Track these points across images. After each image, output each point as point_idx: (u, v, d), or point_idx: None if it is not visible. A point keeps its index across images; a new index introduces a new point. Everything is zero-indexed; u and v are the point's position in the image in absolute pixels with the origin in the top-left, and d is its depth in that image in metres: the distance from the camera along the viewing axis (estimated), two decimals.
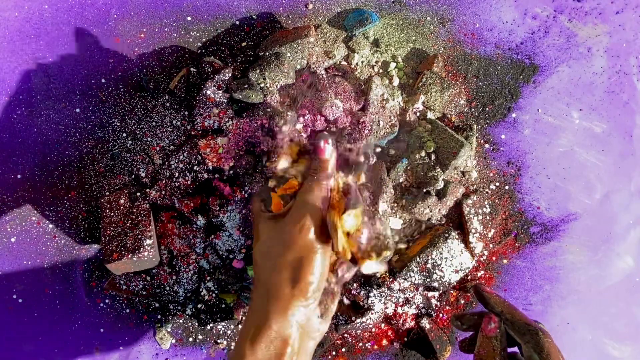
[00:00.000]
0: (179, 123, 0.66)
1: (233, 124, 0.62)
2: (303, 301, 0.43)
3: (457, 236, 0.65)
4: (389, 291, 0.66)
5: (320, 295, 0.45)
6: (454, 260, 0.65)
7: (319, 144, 0.47)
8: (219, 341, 0.69)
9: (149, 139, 0.65)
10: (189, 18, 0.68)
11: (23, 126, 0.66)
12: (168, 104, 0.66)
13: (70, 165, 0.66)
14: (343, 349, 0.69)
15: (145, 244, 0.61)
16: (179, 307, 0.68)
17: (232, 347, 0.70)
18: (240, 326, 0.69)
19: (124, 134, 0.66)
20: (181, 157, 0.64)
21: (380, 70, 0.69)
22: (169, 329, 0.68)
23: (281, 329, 0.42)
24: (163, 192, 0.64)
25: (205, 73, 0.65)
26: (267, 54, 0.64)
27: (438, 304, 0.71)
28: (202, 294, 0.66)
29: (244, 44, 0.68)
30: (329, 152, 0.47)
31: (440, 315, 0.71)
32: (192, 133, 0.66)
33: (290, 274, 0.43)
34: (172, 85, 0.66)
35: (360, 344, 0.70)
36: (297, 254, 0.43)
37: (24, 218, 0.66)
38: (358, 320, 0.67)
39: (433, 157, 0.66)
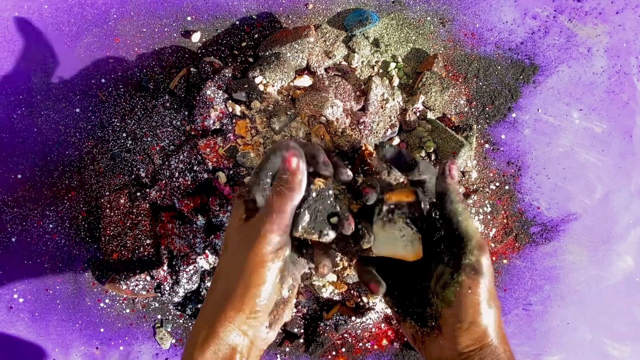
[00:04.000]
0: (179, 123, 0.66)
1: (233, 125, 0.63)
2: (250, 313, 0.43)
3: None
4: None
5: (270, 306, 0.44)
6: None
7: (285, 155, 0.45)
8: None
9: (149, 139, 0.65)
10: (189, 18, 0.68)
11: (23, 126, 0.66)
12: (168, 104, 0.66)
13: (70, 165, 0.66)
14: (343, 349, 0.69)
15: (145, 244, 0.61)
16: (179, 307, 0.68)
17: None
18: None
19: (124, 134, 0.66)
20: (181, 157, 0.64)
21: (380, 70, 0.69)
22: (169, 329, 0.68)
23: (229, 337, 0.42)
24: (163, 192, 0.64)
25: (205, 73, 0.65)
26: (267, 54, 0.64)
27: None
28: (202, 294, 0.66)
29: (244, 44, 0.68)
30: (295, 163, 0.45)
31: None
32: (192, 133, 0.66)
33: (244, 284, 0.43)
34: (172, 85, 0.66)
35: (360, 344, 0.70)
36: (253, 264, 0.43)
37: (24, 218, 0.66)
38: (358, 320, 0.68)
39: (433, 157, 0.66)
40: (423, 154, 0.66)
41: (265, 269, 0.43)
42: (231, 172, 0.63)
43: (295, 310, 0.68)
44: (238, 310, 0.42)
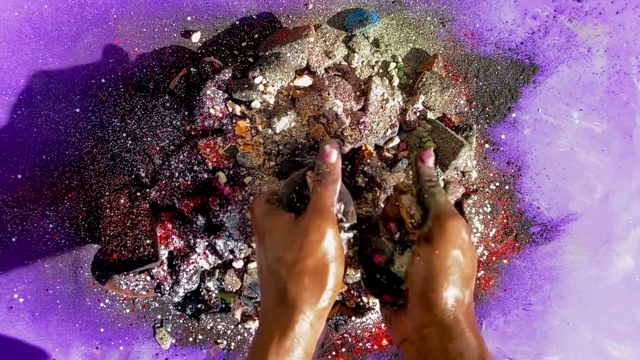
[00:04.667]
0: (179, 123, 0.66)
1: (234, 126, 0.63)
2: (321, 307, 0.43)
3: None
4: None
5: (332, 305, 0.45)
6: None
7: (326, 149, 0.48)
8: (219, 341, 0.69)
9: (149, 139, 0.65)
10: (189, 18, 0.68)
11: (23, 126, 0.66)
12: (168, 104, 0.66)
13: (70, 165, 0.66)
14: (343, 349, 0.69)
15: (145, 244, 0.61)
16: (179, 307, 0.68)
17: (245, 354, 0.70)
18: (251, 329, 0.69)
19: (124, 134, 0.66)
20: (181, 157, 0.64)
21: (380, 70, 0.69)
22: (169, 329, 0.68)
23: (304, 335, 0.42)
24: (163, 192, 0.64)
25: (205, 73, 0.65)
26: (267, 54, 0.64)
27: None
28: (202, 294, 0.66)
29: (244, 44, 0.68)
30: (335, 156, 0.47)
31: None
32: (192, 133, 0.66)
33: (311, 281, 0.43)
34: (172, 85, 0.66)
35: (360, 344, 0.70)
36: (316, 260, 0.43)
37: (24, 218, 0.66)
38: (358, 320, 0.68)
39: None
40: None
41: (334, 263, 0.43)
42: (231, 172, 0.63)
43: None
44: (311, 308, 0.42)
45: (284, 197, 0.49)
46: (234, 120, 0.63)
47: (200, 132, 0.65)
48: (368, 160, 0.63)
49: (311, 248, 0.43)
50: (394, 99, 0.67)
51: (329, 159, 0.47)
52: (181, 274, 0.64)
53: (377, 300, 0.67)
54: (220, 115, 0.63)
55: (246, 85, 0.63)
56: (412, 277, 0.44)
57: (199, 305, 0.67)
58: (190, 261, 0.64)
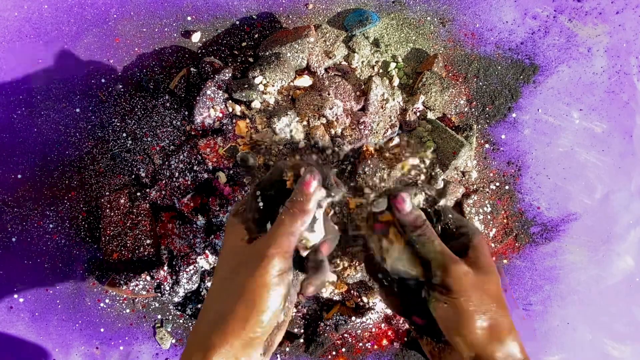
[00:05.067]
0: (179, 123, 0.66)
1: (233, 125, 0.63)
2: (249, 340, 0.41)
3: None
4: None
5: (269, 332, 0.43)
6: None
7: (305, 177, 0.44)
8: None
9: (149, 139, 0.65)
10: (189, 18, 0.68)
11: (23, 126, 0.66)
12: (168, 104, 0.66)
13: (70, 165, 0.66)
14: (343, 349, 0.69)
15: (145, 244, 0.61)
16: (179, 307, 0.68)
17: None
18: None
19: (124, 134, 0.66)
20: (181, 157, 0.64)
21: (380, 70, 0.69)
22: (169, 329, 0.68)
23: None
24: (163, 192, 0.64)
25: (205, 73, 0.65)
26: (267, 54, 0.64)
27: None
28: (202, 294, 0.66)
29: (244, 44, 0.68)
30: (313, 187, 0.44)
31: None
32: (192, 133, 0.66)
33: (245, 308, 0.41)
34: (172, 85, 0.66)
35: (360, 344, 0.70)
36: (257, 288, 0.41)
37: (24, 218, 0.66)
38: (358, 320, 0.68)
39: (431, 158, 0.66)
40: (428, 153, 0.66)
41: (269, 294, 0.41)
42: (231, 172, 0.63)
43: (295, 310, 0.68)
44: (237, 336, 0.40)
45: (249, 213, 0.46)
46: (234, 120, 0.63)
47: (200, 132, 0.65)
48: (368, 161, 0.63)
49: (254, 273, 0.41)
50: (394, 99, 0.67)
51: (307, 188, 0.44)
52: (181, 274, 0.64)
53: (378, 301, 0.67)
54: (220, 115, 0.63)
55: (246, 85, 0.63)
56: (442, 322, 0.43)
57: (199, 305, 0.67)
58: (190, 261, 0.64)
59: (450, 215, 0.48)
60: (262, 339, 0.42)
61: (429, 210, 0.50)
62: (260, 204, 0.46)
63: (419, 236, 0.45)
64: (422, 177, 0.63)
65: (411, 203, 0.46)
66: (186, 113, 0.66)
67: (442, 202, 0.50)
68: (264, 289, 0.41)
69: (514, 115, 0.71)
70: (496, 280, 0.44)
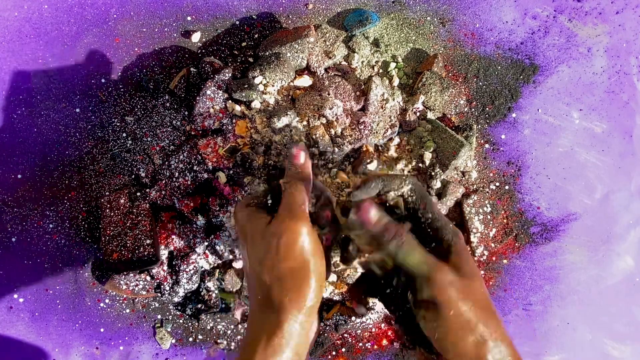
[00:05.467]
0: (179, 123, 0.66)
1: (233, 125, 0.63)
2: (308, 306, 0.42)
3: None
4: None
5: (320, 301, 0.44)
6: None
7: (293, 152, 0.49)
8: (219, 341, 0.69)
9: (149, 139, 0.65)
10: (189, 18, 0.68)
11: (23, 126, 0.66)
12: (168, 104, 0.66)
13: (70, 165, 0.66)
14: (343, 349, 0.69)
15: (145, 244, 0.61)
16: (179, 307, 0.68)
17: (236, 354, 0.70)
18: (243, 330, 0.69)
19: (124, 134, 0.66)
20: (181, 157, 0.64)
21: (380, 70, 0.69)
22: (169, 329, 0.68)
23: (293, 334, 0.42)
24: (163, 192, 0.64)
25: (205, 73, 0.65)
26: (267, 54, 0.64)
27: None
28: (202, 294, 0.66)
29: (244, 44, 0.68)
30: (302, 157, 0.49)
31: None
32: (192, 133, 0.66)
33: (293, 282, 0.42)
34: (172, 85, 0.66)
35: (360, 344, 0.70)
36: (294, 260, 0.43)
37: (24, 218, 0.66)
38: (358, 320, 0.68)
39: (431, 157, 0.66)
40: (426, 155, 0.66)
41: (313, 254, 0.43)
42: (231, 172, 0.63)
43: None
44: (296, 307, 0.42)
45: (262, 200, 0.49)
46: (234, 120, 0.63)
47: (200, 132, 0.65)
48: (368, 161, 0.63)
49: (286, 249, 0.43)
50: (394, 99, 0.67)
51: (297, 160, 0.49)
52: (181, 274, 0.64)
53: (376, 302, 0.67)
54: (220, 115, 0.63)
55: (246, 85, 0.63)
56: (431, 335, 0.42)
57: (199, 305, 0.67)
58: (190, 261, 0.64)
59: (429, 215, 0.45)
60: (319, 300, 0.44)
61: (404, 212, 0.45)
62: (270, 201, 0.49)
63: (398, 247, 0.42)
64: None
65: (377, 211, 0.43)
66: (186, 113, 0.66)
67: (420, 201, 0.47)
68: (304, 257, 0.43)
69: (514, 115, 0.71)
70: (480, 284, 0.43)
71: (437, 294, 0.41)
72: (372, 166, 0.63)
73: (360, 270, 0.63)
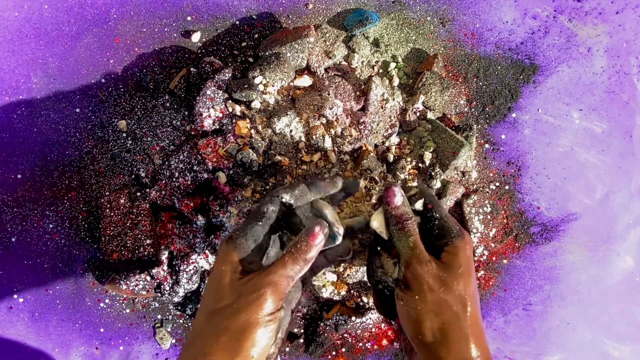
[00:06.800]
0: (179, 123, 0.66)
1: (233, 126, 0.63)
2: None
3: None
4: None
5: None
6: None
7: (314, 229, 0.45)
8: None
9: (149, 139, 0.65)
10: (189, 18, 0.68)
11: (23, 126, 0.66)
12: (168, 104, 0.66)
13: (70, 165, 0.66)
14: (343, 349, 0.69)
15: (145, 244, 0.61)
16: (179, 307, 0.68)
17: None
18: None
19: (124, 134, 0.66)
20: (181, 157, 0.64)
21: (380, 70, 0.69)
22: (169, 329, 0.68)
23: None
24: (163, 192, 0.64)
25: (205, 73, 0.65)
26: (267, 54, 0.64)
27: None
28: (202, 293, 0.66)
29: (244, 44, 0.68)
30: (319, 240, 0.45)
31: None
32: (192, 133, 0.66)
33: (235, 341, 0.41)
34: (172, 85, 0.66)
35: (360, 344, 0.70)
36: (249, 325, 0.41)
37: (24, 218, 0.66)
38: (358, 320, 0.68)
39: (431, 157, 0.66)
40: (429, 152, 0.66)
41: (260, 331, 0.41)
42: (231, 172, 0.63)
43: (295, 310, 0.68)
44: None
45: (253, 234, 0.46)
46: (234, 120, 0.63)
47: (200, 132, 0.65)
48: (368, 160, 0.63)
49: (246, 309, 0.41)
50: (394, 99, 0.67)
51: (313, 240, 0.45)
52: (181, 274, 0.64)
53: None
54: (220, 115, 0.63)
55: (246, 85, 0.63)
56: (401, 319, 0.44)
57: (199, 305, 0.67)
58: (190, 261, 0.64)
59: (437, 215, 0.49)
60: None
61: (421, 212, 0.50)
62: (266, 232, 0.46)
63: (399, 230, 0.46)
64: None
65: (402, 197, 0.47)
66: (186, 113, 0.66)
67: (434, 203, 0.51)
68: (255, 327, 0.41)
69: (514, 115, 0.71)
70: (467, 282, 0.44)
71: (410, 279, 0.44)
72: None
73: (362, 270, 0.64)
